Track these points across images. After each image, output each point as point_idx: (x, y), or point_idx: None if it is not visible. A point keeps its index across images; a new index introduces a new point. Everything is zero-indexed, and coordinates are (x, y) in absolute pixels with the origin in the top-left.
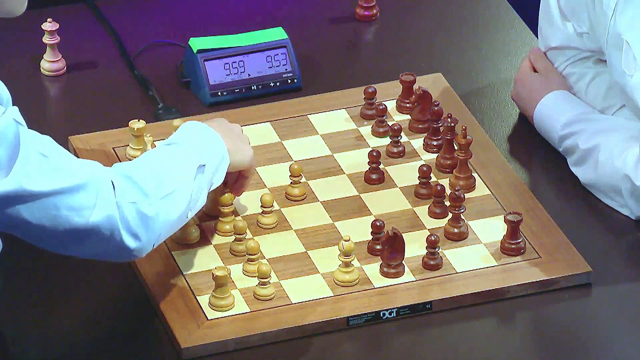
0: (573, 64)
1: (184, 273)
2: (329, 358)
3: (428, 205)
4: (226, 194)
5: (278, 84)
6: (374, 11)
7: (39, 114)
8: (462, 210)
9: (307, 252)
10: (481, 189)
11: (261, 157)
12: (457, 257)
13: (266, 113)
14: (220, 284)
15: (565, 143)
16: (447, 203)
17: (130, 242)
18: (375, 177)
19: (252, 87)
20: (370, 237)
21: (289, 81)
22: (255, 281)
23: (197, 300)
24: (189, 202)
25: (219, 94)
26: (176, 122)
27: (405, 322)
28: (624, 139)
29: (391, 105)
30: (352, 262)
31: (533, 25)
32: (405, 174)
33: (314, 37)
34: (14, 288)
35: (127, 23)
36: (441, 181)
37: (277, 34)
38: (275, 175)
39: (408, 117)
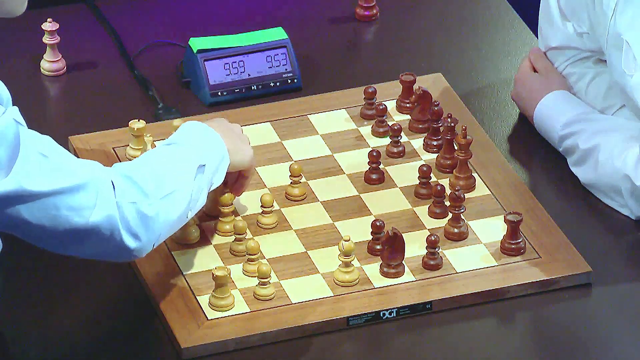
0: (573, 64)
1: (184, 273)
2: (329, 358)
3: (428, 205)
4: (226, 194)
5: (278, 84)
6: (374, 11)
7: (39, 114)
8: (462, 210)
9: (307, 252)
10: (481, 189)
11: (261, 157)
12: (457, 257)
13: (266, 113)
14: (220, 284)
15: (565, 143)
16: (447, 203)
17: (130, 242)
18: (375, 177)
19: (252, 87)
20: (370, 237)
21: (289, 81)
22: (255, 281)
23: (197, 300)
24: (189, 202)
25: (219, 94)
26: (176, 122)
27: (405, 322)
28: (624, 139)
29: (391, 105)
30: (352, 262)
31: (533, 25)
32: (405, 174)
33: (314, 37)
34: (14, 288)
35: (127, 23)
36: (441, 181)
37: (277, 34)
38: (275, 175)
39: (408, 117)
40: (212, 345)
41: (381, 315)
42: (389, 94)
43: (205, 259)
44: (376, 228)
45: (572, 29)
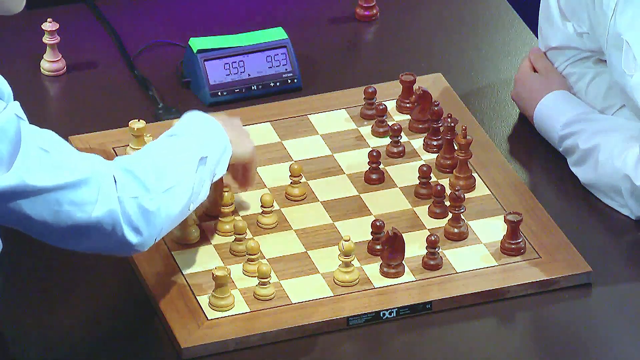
0: (573, 64)
1: (184, 273)
2: (329, 358)
3: (428, 205)
4: (226, 194)
5: (278, 84)
6: (374, 11)
7: (39, 114)
8: (462, 210)
9: (307, 252)
10: (481, 189)
11: (261, 157)
12: (457, 257)
13: (266, 113)
14: (220, 284)
15: (565, 143)
16: (447, 203)
17: (131, 237)
18: (375, 177)
19: (252, 87)
20: (370, 237)
21: (289, 81)
22: (255, 281)
23: (197, 300)
24: (191, 196)
25: (219, 94)
26: (176, 122)
27: (405, 322)
28: (624, 139)
29: (391, 105)
30: (352, 262)
31: (533, 25)
32: (405, 174)
33: (314, 37)
34: (14, 288)
35: (127, 23)
36: (441, 181)
37: (277, 34)
38: (275, 175)
39: (408, 117)
40: (212, 345)
41: (381, 315)
42: (389, 94)
43: (205, 259)
44: (376, 228)
45: (572, 29)
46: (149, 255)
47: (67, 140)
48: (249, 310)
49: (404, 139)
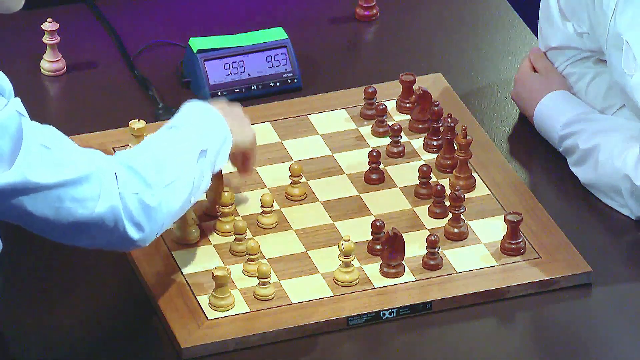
0: (573, 64)
1: (184, 273)
2: (329, 358)
3: (428, 205)
4: (226, 194)
5: (278, 84)
6: (374, 11)
7: (39, 114)
8: (462, 210)
9: (307, 252)
10: (481, 189)
11: (261, 157)
12: (457, 257)
13: (266, 113)
14: (220, 284)
15: (565, 143)
16: (447, 203)
17: (133, 233)
18: (375, 177)
19: (252, 87)
20: (370, 237)
21: (289, 81)
22: (255, 281)
23: (197, 300)
24: (192, 189)
25: (219, 94)
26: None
27: (405, 322)
28: (624, 139)
29: (391, 105)
30: (352, 262)
31: (533, 25)
32: (405, 174)
33: (314, 37)
34: (14, 288)
35: (127, 23)
36: (441, 181)
37: (277, 34)
38: (275, 175)
39: (408, 117)
40: (212, 345)
41: (381, 315)
42: (389, 94)
43: (205, 259)
44: (376, 228)
45: (572, 29)
46: (149, 255)
47: None
48: (249, 310)
49: (404, 139)
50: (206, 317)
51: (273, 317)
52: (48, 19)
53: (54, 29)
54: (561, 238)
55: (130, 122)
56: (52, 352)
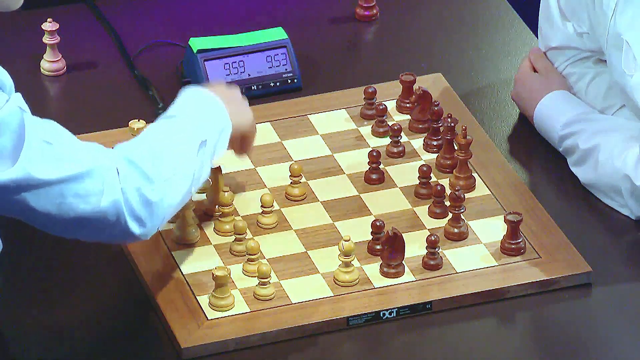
0: (573, 64)
1: (184, 273)
2: (329, 358)
3: (428, 205)
4: (226, 194)
5: (278, 84)
6: (374, 11)
7: (39, 114)
8: (462, 210)
9: (307, 252)
10: (481, 189)
11: (261, 157)
12: (457, 257)
13: (266, 113)
14: (220, 284)
15: (565, 143)
16: (447, 203)
17: (135, 228)
18: (375, 177)
19: (252, 87)
20: (370, 237)
21: (289, 81)
22: (255, 281)
23: (197, 300)
24: (192, 181)
25: None
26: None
27: (405, 322)
28: (624, 139)
29: (391, 105)
30: (352, 262)
31: (533, 25)
32: (405, 174)
33: (314, 37)
34: (14, 288)
35: (127, 23)
36: (441, 181)
37: (277, 34)
38: (275, 175)
39: (408, 117)
40: (212, 345)
41: (381, 315)
42: (389, 94)
43: (205, 259)
44: (376, 228)
45: (572, 29)
46: (149, 255)
47: None
48: (249, 310)
49: (404, 139)
50: (206, 317)
51: (273, 317)
52: (48, 19)
53: (54, 29)
54: (561, 238)
55: (130, 122)
56: (52, 352)
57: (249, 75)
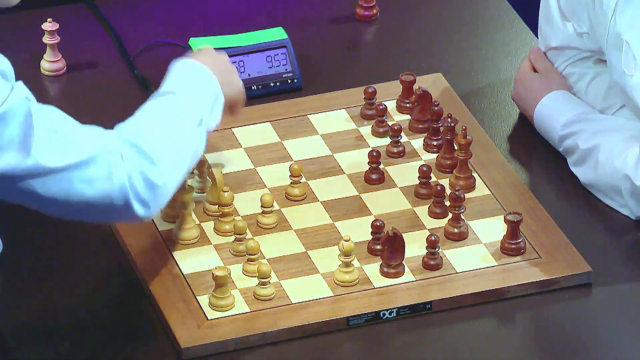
0: (573, 64)
1: (184, 273)
2: (329, 358)
3: (428, 205)
4: (226, 194)
5: (278, 84)
6: (374, 11)
7: None
8: (462, 210)
9: (307, 252)
10: (481, 189)
11: (261, 157)
12: (457, 257)
13: (266, 113)
14: (220, 284)
15: (565, 143)
16: (447, 203)
17: (140, 210)
18: (375, 177)
19: (252, 87)
20: (370, 237)
21: (289, 81)
22: (255, 281)
23: (197, 300)
24: (192, 159)
25: None
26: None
27: (405, 322)
28: (624, 139)
29: (391, 105)
30: (352, 262)
31: (533, 25)
32: (405, 174)
33: (314, 37)
34: (14, 288)
35: (127, 23)
36: (441, 181)
37: (277, 34)
38: (275, 175)
39: (408, 117)
40: (212, 345)
41: (381, 315)
42: (389, 94)
43: (205, 259)
44: (376, 228)
45: (572, 29)
46: (149, 255)
47: None
48: (249, 310)
49: (404, 139)
50: (206, 317)
51: (273, 317)
52: (48, 19)
53: (54, 29)
54: (561, 238)
55: None
56: (52, 352)
57: (249, 75)
